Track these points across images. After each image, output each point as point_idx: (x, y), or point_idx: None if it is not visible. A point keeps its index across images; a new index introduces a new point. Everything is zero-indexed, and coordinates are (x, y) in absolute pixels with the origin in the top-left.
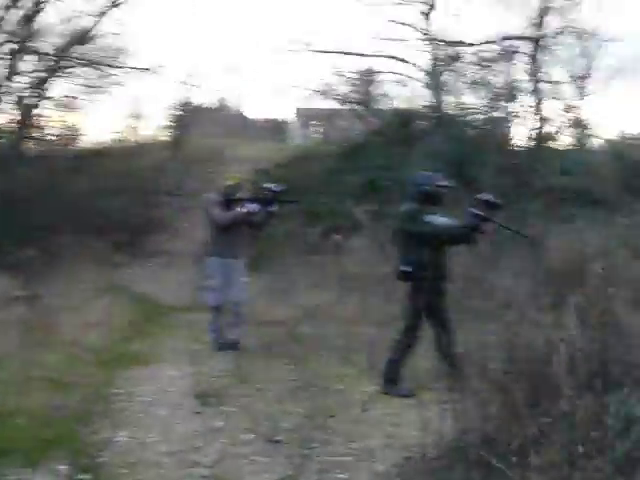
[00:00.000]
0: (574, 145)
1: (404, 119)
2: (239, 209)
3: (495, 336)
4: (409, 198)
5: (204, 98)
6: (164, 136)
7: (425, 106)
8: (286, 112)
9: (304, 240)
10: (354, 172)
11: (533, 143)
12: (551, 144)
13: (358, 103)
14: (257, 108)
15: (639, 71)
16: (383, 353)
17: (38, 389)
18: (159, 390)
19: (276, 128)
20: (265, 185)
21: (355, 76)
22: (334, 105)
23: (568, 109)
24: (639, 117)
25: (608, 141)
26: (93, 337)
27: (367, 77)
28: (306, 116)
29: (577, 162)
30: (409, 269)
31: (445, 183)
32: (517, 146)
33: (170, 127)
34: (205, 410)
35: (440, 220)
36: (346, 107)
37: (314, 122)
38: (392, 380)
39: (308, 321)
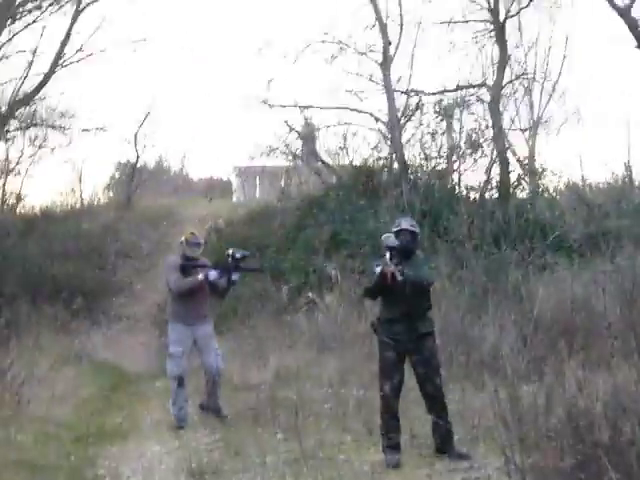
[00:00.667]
0: (536, 192)
1: (365, 172)
2: (198, 276)
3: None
4: None
5: (149, 158)
6: (111, 197)
7: (386, 158)
8: (227, 171)
9: (272, 299)
10: (316, 227)
11: (496, 192)
12: (514, 192)
13: (313, 158)
14: (199, 167)
15: (585, 119)
16: (377, 417)
17: (13, 474)
18: (147, 469)
19: (219, 187)
20: (228, 251)
21: (306, 130)
22: (279, 162)
23: (527, 157)
24: (591, 163)
25: (569, 187)
26: (63, 411)
27: (311, 131)
28: (248, 174)
29: (545, 209)
30: (374, 322)
31: (399, 228)
32: (482, 195)
33: (117, 187)
34: None
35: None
36: (298, 163)
37: (259, 179)
38: (383, 448)
39: (286, 384)
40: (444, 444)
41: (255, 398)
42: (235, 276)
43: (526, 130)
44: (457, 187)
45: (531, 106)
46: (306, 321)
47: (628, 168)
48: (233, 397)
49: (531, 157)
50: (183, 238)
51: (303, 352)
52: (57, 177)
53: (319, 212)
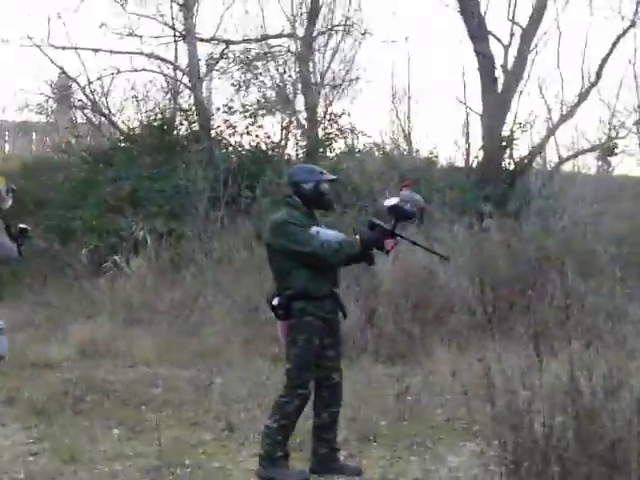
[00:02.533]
0: (347, 153)
1: (161, 125)
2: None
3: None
4: (285, 202)
5: None
6: None
7: (187, 110)
8: None
9: (63, 262)
10: (108, 184)
11: (301, 151)
12: (323, 151)
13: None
14: None
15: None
16: (229, 406)
17: None
18: None
19: None
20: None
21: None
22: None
23: (337, 114)
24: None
25: (376, 145)
26: None
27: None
28: None
29: (354, 172)
30: (285, 301)
31: (331, 177)
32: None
33: None
34: None
35: (329, 234)
36: (77, 114)
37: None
38: (277, 459)
39: (94, 362)
40: (333, 451)
41: (61, 379)
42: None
43: (335, 87)
44: (263, 144)
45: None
46: (109, 289)
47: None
48: (33, 377)
49: (340, 115)
50: None
51: (108, 324)
52: None
53: (107, 168)
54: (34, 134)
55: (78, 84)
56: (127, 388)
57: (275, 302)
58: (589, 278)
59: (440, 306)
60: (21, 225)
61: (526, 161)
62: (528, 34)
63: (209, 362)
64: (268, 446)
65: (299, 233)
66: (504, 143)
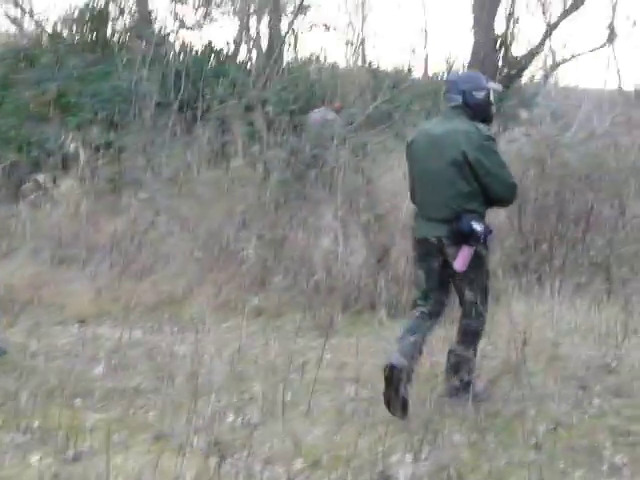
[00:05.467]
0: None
1: (95, 18)
2: None
3: None
4: (457, 112)
5: None
6: None
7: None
8: None
9: None
10: (29, 86)
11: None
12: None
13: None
14: None
15: None
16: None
17: None
18: None
19: None
20: None
21: None
22: None
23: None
24: None
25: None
26: None
27: None
28: None
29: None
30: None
31: (499, 87)
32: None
33: None
34: None
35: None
36: None
37: None
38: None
39: (9, 316)
40: None
41: None
42: None
43: None
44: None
45: None
46: (31, 217)
47: None
48: None
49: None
50: None
51: (30, 264)
52: None
53: (28, 68)
54: None
55: None
56: (53, 363)
57: (479, 228)
58: None
59: None
60: None
61: (523, 62)
62: None
63: (168, 319)
64: (466, 374)
65: (500, 154)
66: (499, 41)
